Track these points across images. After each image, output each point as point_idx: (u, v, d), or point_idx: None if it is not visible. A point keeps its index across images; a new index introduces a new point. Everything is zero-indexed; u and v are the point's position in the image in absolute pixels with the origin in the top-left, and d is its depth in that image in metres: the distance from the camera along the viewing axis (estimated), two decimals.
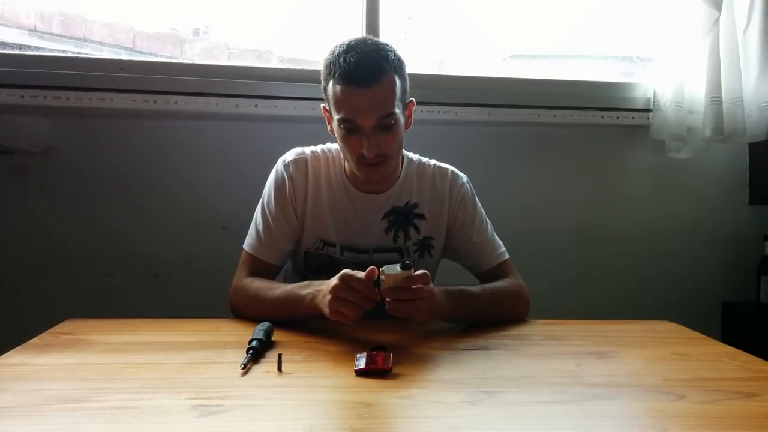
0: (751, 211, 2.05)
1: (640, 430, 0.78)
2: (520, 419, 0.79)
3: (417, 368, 0.96)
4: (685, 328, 1.27)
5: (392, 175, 1.30)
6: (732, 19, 1.84)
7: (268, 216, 1.29)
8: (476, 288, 1.25)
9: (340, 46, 1.18)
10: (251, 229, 1.31)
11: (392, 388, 0.87)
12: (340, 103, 1.16)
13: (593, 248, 2.00)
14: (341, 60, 1.15)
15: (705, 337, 1.20)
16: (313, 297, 1.10)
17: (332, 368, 0.95)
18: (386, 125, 1.17)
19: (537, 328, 1.23)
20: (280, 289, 1.18)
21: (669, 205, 2.03)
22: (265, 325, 1.07)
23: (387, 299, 1.04)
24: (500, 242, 1.37)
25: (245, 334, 1.04)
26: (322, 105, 1.28)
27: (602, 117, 1.95)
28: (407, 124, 1.27)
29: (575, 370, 0.97)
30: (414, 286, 1.04)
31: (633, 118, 1.96)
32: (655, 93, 1.92)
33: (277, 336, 1.08)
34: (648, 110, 1.95)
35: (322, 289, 1.08)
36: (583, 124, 1.95)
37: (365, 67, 1.14)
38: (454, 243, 1.35)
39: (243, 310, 1.22)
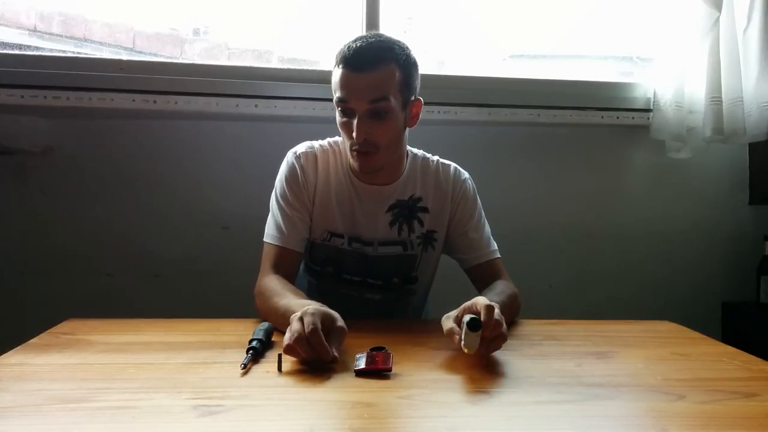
0: (751, 211, 2.05)
1: (640, 430, 0.78)
2: (520, 419, 0.79)
3: (417, 368, 0.96)
4: (685, 328, 1.27)
5: (396, 168, 1.31)
6: (732, 19, 1.85)
7: (284, 206, 1.29)
8: (502, 298, 1.20)
9: (352, 37, 1.22)
10: (269, 223, 1.31)
11: (392, 388, 0.87)
12: (336, 85, 1.20)
13: (593, 248, 2.00)
14: (346, 47, 1.19)
15: (705, 337, 1.20)
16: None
17: (332, 368, 0.94)
18: (378, 112, 1.18)
19: (537, 328, 1.23)
20: (281, 302, 1.13)
21: (669, 204, 2.03)
22: (265, 325, 1.07)
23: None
24: (495, 243, 1.38)
25: (245, 334, 1.04)
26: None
27: (602, 117, 1.95)
28: (411, 123, 1.28)
29: (575, 370, 0.97)
30: (493, 322, 0.97)
31: (633, 118, 1.96)
32: (655, 93, 1.92)
33: (277, 336, 1.08)
34: (648, 110, 1.95)
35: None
36: (583, 124, 1.95)
37: (365, 53, 1.18)
38: (451, 236, 1.37)
39: (259, 312, 1.21)
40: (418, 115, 1.29)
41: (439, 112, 1.85)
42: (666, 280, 2.02)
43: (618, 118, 1.95)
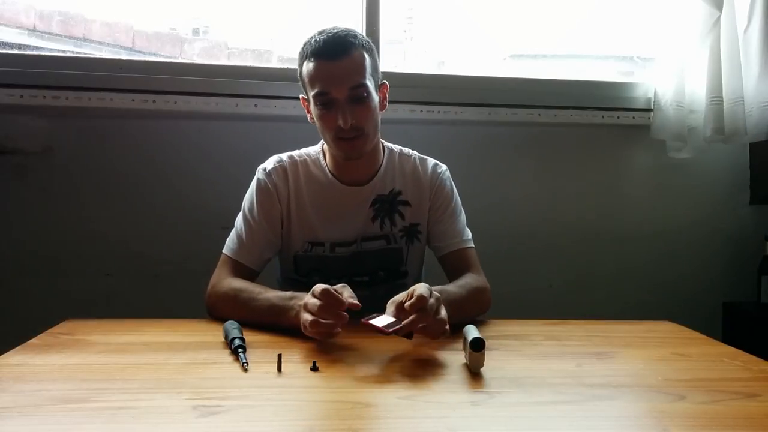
0: (751, 210, 2.05)
1: (640, 430, 0.78)
2: (520, 419, 0.79)
3: (417, 368, 0.96)
4: (685, 328, 1.27)
5: (373, 161, 1.33)
6: (732, 19, 1.84)
7: (251, 222, 1.30)
8: (460, 290, 1.23)
9: (309, 35, 1.26)
10: (232, 236, 1.33)
11: (392, 388, 0.87)
12: (313, 78, 1.22)
13: (593, 248, 1.99)
14: (312, 41, 1.23)
15: (705, 337, 1.20)
16: (297, 313, 1.08)
17: (332, 368, 0.94)
18: (359, 97, 1.22)
19: (537, 328, 1.23)
20: (263, 297, 1.17)
21: (669, 205, 2.03)
22: (234, 324, 1.07)
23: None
24: (469, 233, 1.39)
25: (245, 334, 1.04)
26: (300, 95, 1.31)
27: (603, 117, 1.94)
28: (382, 106, 1.31)
29: (575, 371, 0.97)
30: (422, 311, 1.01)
31: (633, 117, 1.96)
32: (655, 93, 1.92)
33: (276, 336, 1.08)
34: (649, 110, 1.95)
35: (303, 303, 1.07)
36: (584, 124, 1.95)
37: (333, 42, 1.21)
38: (429, 225, 1.38)
39: (220, 310, 1.21)
40: (386, 97, 1.33)
41: (439, 112, 1.85)
42: (666, 280, 2.02)
43: (618, 117, 1.95)
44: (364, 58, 1.23)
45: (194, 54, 2.05)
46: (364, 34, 1.82)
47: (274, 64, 2.01)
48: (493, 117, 1.89)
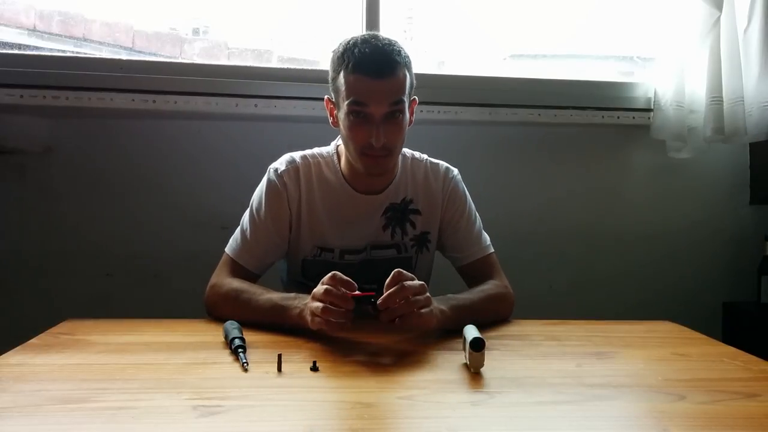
0: (751, 211, 2.05)
1: (640, 430, 0.78)
2: (520, 419, 0.79)
3: (417, 368, 0.96)
4: (685, 328, 1.27)
5: (391, 171, 1.31)
6: (733, 19, 1.84)
7: (257, 221, 1.28)
8: (472, 295, 1.24)
9: (352, 38, 1.21)
10: (236, 235, 1.31)
11: (392, 388, 0.87)
12: (352, 90, 1.17)
13: (593, 248, 1.99)
14: (356, 50, 1.17)
15: (705, 337, 1.20)
16: (300, 312, 1.08)
17: (332, 368, 0.94)
18: (394, 114, 1.18)
19: (537, 328, 1.23)
20: (264, 297, 1.16)
21: (669, 205, 2.03)
22: (235, 324, 1.07)
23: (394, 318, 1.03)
24: (487, 237, 1.37)
25: (245, 334, 1.04)
26: (326, 96, 1.28)
27: (602, 117, 1.94)
28: (409, 122, 1.28)
29: (575, 371, 0.97)
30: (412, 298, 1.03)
31: (633, 117, 1.96)
32: (655, 93, 1.92)
33: (276, 336, 1.08)
34: (648, 110, 1.95)
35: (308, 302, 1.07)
36: (583, 124, 1.95)
37: (380, 59, 1.16)
38: (443, 234, 1.36)
39: (221, 310, 1.20)
40: (414, 113, 1.30)
41: (439, 112, 1.85)
42: (666, 281, 2.02)
43: (618, 117, 1.95)
44: (406, 77, 1.20)
45: (194, 54, 2.05)
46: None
47: (274, 64, 2.01)
48: (493, 117, 1.89)
